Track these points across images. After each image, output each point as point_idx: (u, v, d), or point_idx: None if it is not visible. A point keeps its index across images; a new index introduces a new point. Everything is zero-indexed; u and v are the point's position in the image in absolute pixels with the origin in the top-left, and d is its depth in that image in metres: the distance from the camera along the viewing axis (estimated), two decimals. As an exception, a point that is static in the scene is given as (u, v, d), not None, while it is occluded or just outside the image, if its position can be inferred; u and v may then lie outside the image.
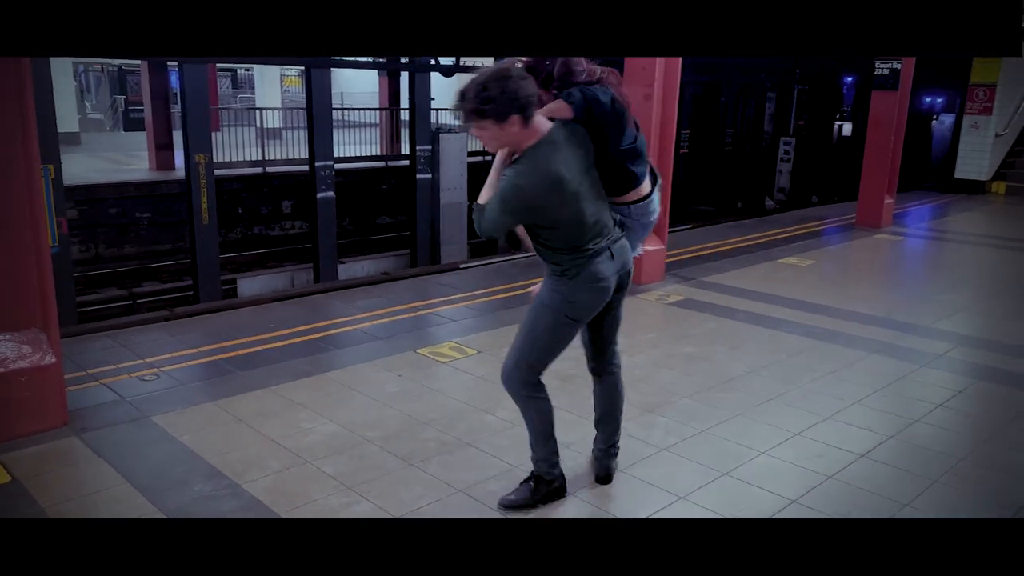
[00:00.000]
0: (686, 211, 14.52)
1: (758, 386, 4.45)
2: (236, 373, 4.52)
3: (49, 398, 3.75)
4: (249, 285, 10.20)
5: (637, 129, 2.92)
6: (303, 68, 10.51)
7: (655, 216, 3.06)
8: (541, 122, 2.67)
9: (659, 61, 6.31)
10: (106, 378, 4.39)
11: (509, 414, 3.95)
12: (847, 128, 17.26)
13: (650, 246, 6.77)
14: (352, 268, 10.89)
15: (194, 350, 4.90)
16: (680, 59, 6.47)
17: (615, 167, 2.85)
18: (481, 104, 2.53)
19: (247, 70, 22.29)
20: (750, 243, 8.72)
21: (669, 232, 7.17)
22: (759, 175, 16.01)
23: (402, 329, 5.47)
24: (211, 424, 3.84)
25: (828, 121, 16.99)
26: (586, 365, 3.22)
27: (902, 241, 9.29)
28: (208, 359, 4.76)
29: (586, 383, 3.34)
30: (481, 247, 11.95)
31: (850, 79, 17.10)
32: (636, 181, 2.91)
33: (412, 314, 5.87)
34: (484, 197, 2.72)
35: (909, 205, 11.76)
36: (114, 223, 11.50)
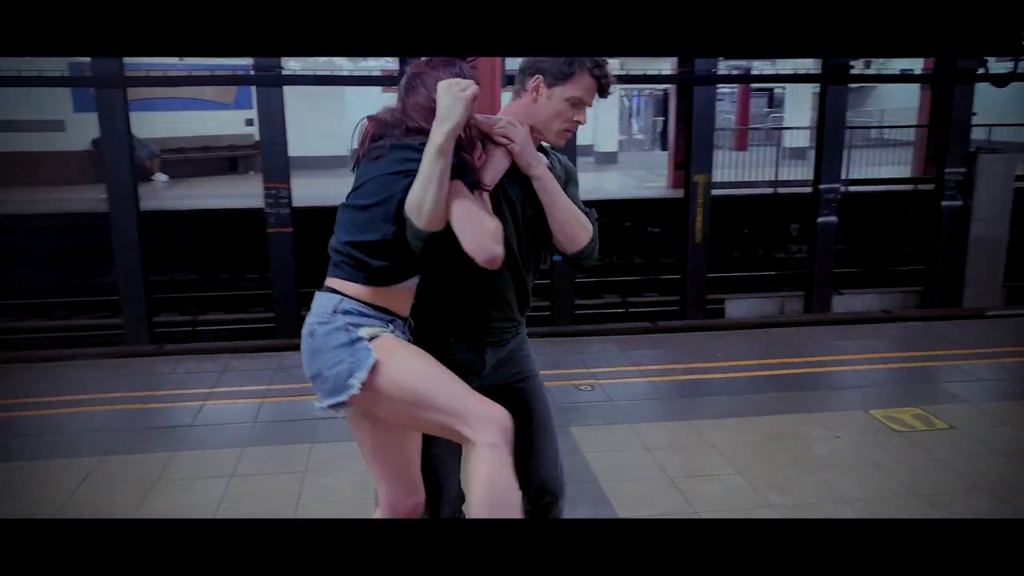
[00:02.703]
0: None
1: None
2: (663, 399, 4.44)
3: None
4: (737, 307, 10.05)
5: None
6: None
7: None
8: None
9: None
10: (552, 381, 4.71)
11: (962, 512, 3.09)
12: None
13: None
14: (850, 301, 9.91)
15: (636, 368, 4.96)
16: None
17: None
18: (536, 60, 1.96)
19: (782, 89, 22.08)
20: None
21: None
22: None
23: (864, 381, 4.73)
24: (619, 447, 3.81)
25: None
26: None
27: None
28: (647, 379, 4.77)
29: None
30: (1021, 293, 9.79)
31: None
32: None
33: (892, 365, 5.05)
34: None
35: None
36: (626, 235, 12.47)
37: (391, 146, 1.80)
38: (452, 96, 1.70)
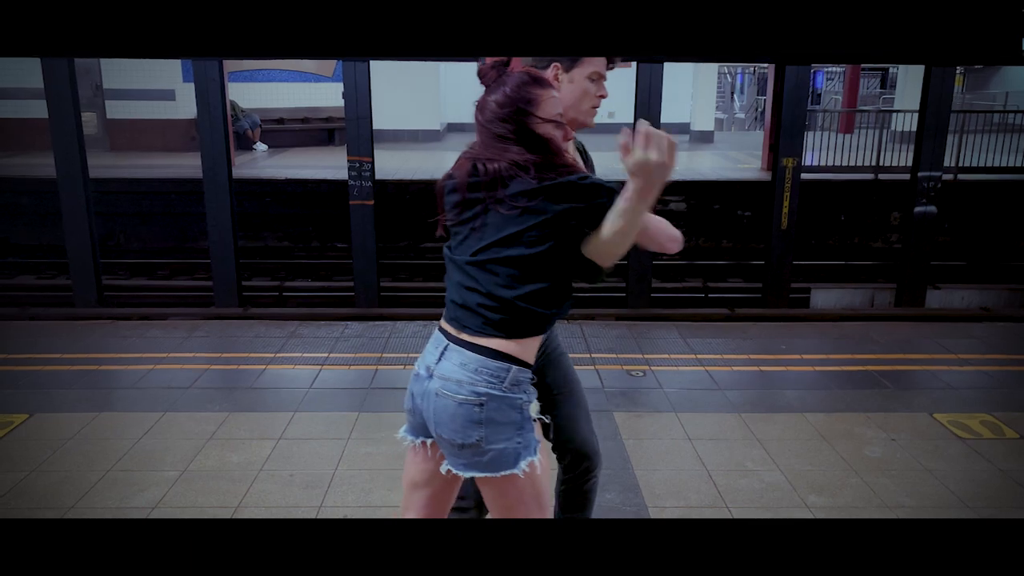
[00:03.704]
0: None
1: None
2: (715, 390, 4.33)
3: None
4: (824, 297, 9.67)
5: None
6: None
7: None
8: None
9: None
10: (603, 364, 4.69)
11: (1015, 533, 2.90)
12: None
13: None
14: (947, 296, 9.36)
15: (694, 355, 4.86)
16: None
17: None
18: None
19: (895, 69, 20.86)
20: None
21: None
22: None
23: (936, 383, 4.48)
24: (660, 435, 3.77)
25: None
26: None
27: None
28: (702, 367, 4.67)
29: None
30: None
31: None
32: None
33: (972, 367, 4.76)
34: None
35: None
36: (715, 218, 12.16)
37: (549, 189, 1.72)
38: (670, 163, 1.58)
